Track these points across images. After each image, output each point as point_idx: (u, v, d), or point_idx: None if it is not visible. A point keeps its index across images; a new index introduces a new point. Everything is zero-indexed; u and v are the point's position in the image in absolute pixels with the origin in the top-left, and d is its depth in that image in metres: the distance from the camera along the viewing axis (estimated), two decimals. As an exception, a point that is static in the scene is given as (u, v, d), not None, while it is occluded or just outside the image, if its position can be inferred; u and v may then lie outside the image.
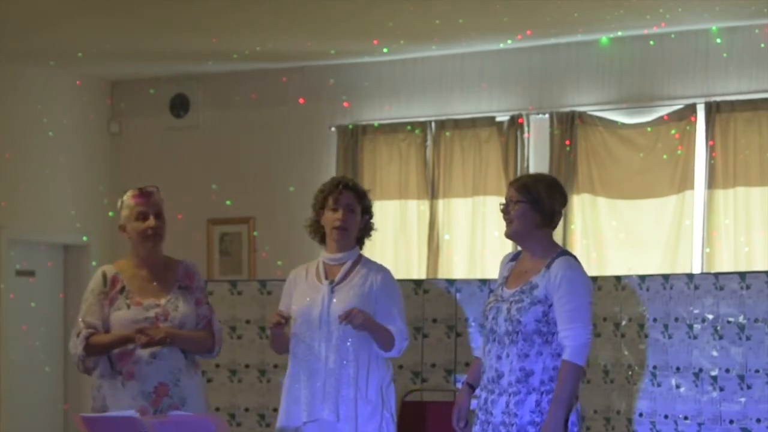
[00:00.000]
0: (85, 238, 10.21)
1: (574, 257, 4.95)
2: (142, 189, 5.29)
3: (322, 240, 5.51)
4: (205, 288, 5.43)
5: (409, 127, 9.53)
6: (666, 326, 6.07)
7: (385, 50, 9.32)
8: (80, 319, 5.19)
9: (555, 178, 5.17)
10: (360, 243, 5.52)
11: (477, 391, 5.04)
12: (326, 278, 5.41)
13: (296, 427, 5.35)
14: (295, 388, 5.37)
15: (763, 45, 8.47)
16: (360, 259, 5.47)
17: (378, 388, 5.37)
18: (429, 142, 9.46)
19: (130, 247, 5.33)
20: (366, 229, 5.51)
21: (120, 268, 5.28)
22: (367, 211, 5.49)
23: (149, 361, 5.13)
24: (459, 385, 6.65)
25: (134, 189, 5.30)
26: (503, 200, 5.02)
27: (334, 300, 5.35)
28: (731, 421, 5.84)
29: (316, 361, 5.34)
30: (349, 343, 5.31)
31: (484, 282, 6.78)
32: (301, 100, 9.86)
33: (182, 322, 5.21)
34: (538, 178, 5.15)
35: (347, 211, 5.40)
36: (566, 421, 4.78)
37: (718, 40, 8.58)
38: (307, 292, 5.42)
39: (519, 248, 5.15)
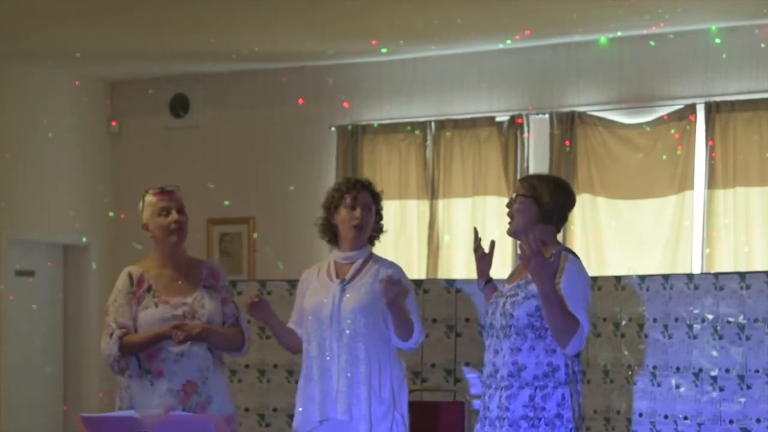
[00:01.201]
0: (84, 239, 10.21)
1: (575, 254, 4.95)
2: (163, 187, 5.34)
3: (332, 240, 5.50)
4: (229, 287, 5.46)
5: (409, 127, 9.53)
6: (666, 326, 6.07)
7: (384, 50, 9.32)
8: (112, 321, 5.20)
9: (564, 180, 5.16)
10: (371, 241, 5.52)
11: (480, 390, 5.04)
12: (337, 277, 5.42)
13: (312, 426, 5.35)
14: (310, 387, 5.37)
15: (763, 45, 8.47)
16: (371, 257, 5.47)
17: (391, 387, 5.35)
18: (429, 142, 9.46)
19: (154, 247, 5.36)
20: (377, 230, 5.52)
21: (145, 268, 5.32)
22: (379, 213, 5.51)
23: (177, 359, 5.15)
24: (459, 385, 6.66)
25: (155, 188, 5.36)
26: (508, 199, 5.05)
27: (345, 297, 5.35)
28: (731, 421, 5.84)
29: (327, 360, 5.33)
30: (360, 342, 5.31)
31: (484, 282, 6.77)
32: (300, 101, 9.86)
33: (209, 320, 5.25)
34: (546, 177, 5.18)
35: (365, 209, 5.42)
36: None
37: (718, 40, 8.58)
38: (318, 291, 5.42)
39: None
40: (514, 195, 5.00)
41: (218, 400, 5.22)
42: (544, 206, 4.94)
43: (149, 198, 5.33)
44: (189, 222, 5.36)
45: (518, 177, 9.02)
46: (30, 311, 9.88)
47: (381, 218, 5.53)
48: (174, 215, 5.28)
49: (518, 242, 5.14)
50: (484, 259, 5.32)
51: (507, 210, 5.02)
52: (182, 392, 5.15)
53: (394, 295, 5.20)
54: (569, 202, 5.04)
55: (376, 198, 5.48)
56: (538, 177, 5.12)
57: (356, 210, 5.40)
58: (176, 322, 5.15)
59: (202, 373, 5.20)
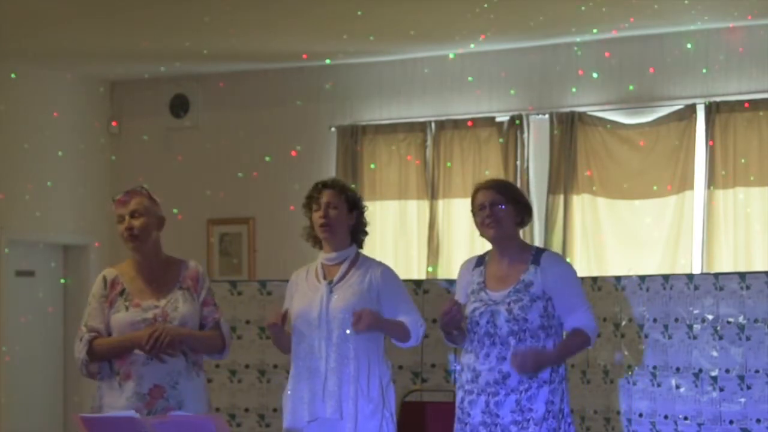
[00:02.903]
0: (85, 239, 10.21)
1: (552, 251, 5.08)
2: (128, 191, 5.28)
3: (317, 243, 5.52)
4: (211, 288, 5.40)
5: (409, 127, 9.54)
6: (666, 326, 6.07)
7: (384, 50, 9.32)
8: (83, 324, 5.17)
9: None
10: (356, 241, 5.50)
11: (466, 396, 5.05)
12: (325, 278, 5.42)
13: (301, 426, 5.35)
14: (299, 387, 5.38)
15: (763, 45, 8.47)
16: (358, 258, 5.47)
17: (379, 386, 5.37)
18: (429, 142, 9.47)
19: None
20: (358, 225, 5.48)
21: (121, 271, 5.28)
22: (356, 207, 5.46)
23: (146, 362, 5.09)
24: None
25: (119, 195, 5.29)
26: (472, 206, 5.12)
27: (334, 298, 5.35)
28: (731, 422, 5.84)
29: (316, 360, 5.34)
30: (349, 342, 5.32)
31: (484, 282, 6.76)
32: (299, 102, 9.87)
33: (182, 323, 5.18)
34: (506, 182, 5.36)
35: (327, 208, 5.40)
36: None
37: (718, 41, 8.58)
38: (307, 293, 5.43)
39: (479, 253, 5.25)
40: (490, 201, 5.04)
41: (191, 404, 5.11)
42: (523, 211, 5.10)
43: (112, 207, 5.28)
44: (152, 223, 5.23)
45: (518, 177, 9.04)
46: (30, 311, 9.88)
47: (361, 212, 5.47)
48: (125, 222, 5.19)
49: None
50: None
51: (483, 216, 5.06)
52: (149, 396, 5.08)
53: (366, 327, 5.21)
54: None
55: (341, 192, 5.43)
56: (504, 182, 5.28)
57: (319, 211, 5.41)
58: (138, 327, 5.06)
59: (171, 378, 5.12)
